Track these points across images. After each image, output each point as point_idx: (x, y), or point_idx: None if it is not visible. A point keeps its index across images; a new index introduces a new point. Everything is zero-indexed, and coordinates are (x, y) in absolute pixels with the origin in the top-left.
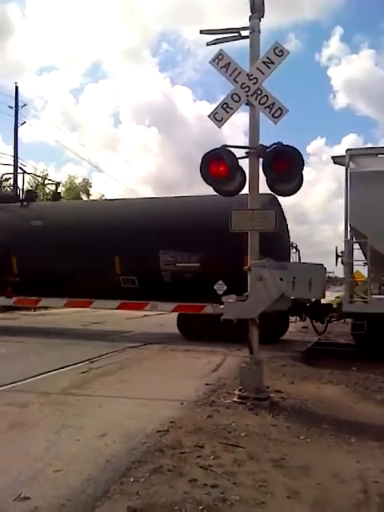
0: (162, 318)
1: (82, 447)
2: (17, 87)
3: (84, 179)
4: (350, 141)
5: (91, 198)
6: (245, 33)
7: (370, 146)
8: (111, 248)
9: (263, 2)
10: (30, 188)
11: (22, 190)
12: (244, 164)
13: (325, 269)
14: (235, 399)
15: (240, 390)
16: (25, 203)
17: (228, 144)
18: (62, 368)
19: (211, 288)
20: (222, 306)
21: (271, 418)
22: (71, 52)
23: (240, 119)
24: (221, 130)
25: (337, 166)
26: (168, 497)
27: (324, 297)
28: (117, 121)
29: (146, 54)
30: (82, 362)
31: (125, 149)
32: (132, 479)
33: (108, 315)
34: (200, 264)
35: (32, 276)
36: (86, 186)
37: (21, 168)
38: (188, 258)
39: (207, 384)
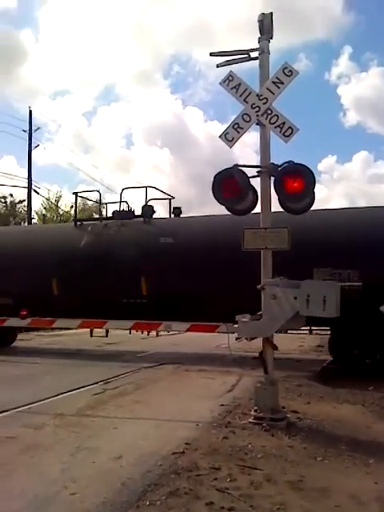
0: (180, 337)
1: (98, 469)
2: (30, 111)
3: (97, 200)
4: (361, 158)
5: None
6: (254, 54)
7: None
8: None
9: (272, 24)
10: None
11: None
12: (256, 183)
13: (339, 286)
14: (251, 420)
15: (256, 411)
16: (146, 219)
17: (239, 163)
18: (77, 389)
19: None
20: (235, 326)
21: (288, 439)
22: (84, 76)
23: (251, 139)
24: (232, 149)
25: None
26: None
27: (338, 315)
28: (129, 142)
29: (158, 77)
30: (96, 382)
31: (137, 170)
32: (148, 502)
33: (123, 335)
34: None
35: (160, 297)
36: (99, 207)
37: (35, 190)
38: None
39: (222, 405)
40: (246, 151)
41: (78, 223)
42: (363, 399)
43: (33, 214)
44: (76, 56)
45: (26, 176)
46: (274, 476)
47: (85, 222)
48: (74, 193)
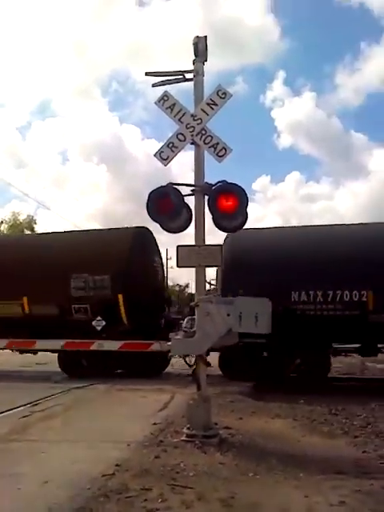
0: None
1: (24, 496)
2: None
3: (28, 216)
4: (294, 178)
5: None
6: (189, 75)
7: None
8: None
9: (206, 47)
10: None
11: None
12: (190, 201)
13: (270, 303)
14: (183, 438)
15: (188, 428)
16: None
17: (177, 182)
18: (2, 413)
19: None
20: (169, 343)
21: (220, 456)
22: (19, 89)
23: (189, 158)
24: (170, 168)
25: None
26: None
27: (270, 331)
28: (65, 158)
29: (97, 94)
30: (23, 405)
31: (73, 186)
32: None
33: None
34: None
35: None
36: (30, 223)
37: None
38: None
39: (155, 423)
40: (184, 169)
41: None
42: (294, 413)
43: None
44: (11, 69)
45: None
46: (206, 494)
47: None
48: None
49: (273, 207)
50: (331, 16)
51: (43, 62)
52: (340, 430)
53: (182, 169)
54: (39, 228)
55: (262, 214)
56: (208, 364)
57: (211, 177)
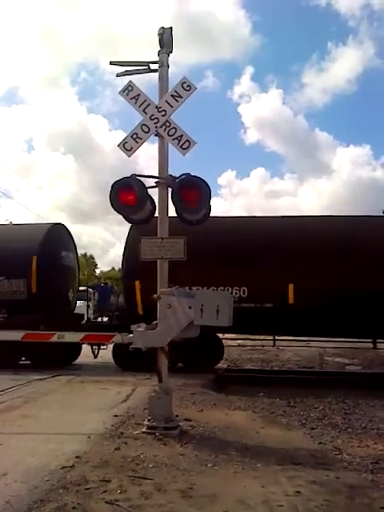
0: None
1: None
2: None
3: None
4: (259, 174)
5: None
6: (154, 66)
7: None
8: None
9: (171, 38)
10: None
11: None
12: (154, 193)
13: (232, 297)
14: (144, 430)
15: (149, 420)
16: None
17: (145, 174)
18: None
19: None
20: (130, 335)
21: (180, 448)
22: None
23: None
24: (137, 160)
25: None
26: None
27: (231, 324)
28: (30, 147)
29: (65, 83)
30: None
31: (38, 175)
32: None
33: None
34: None
35: None
36: None
37: None
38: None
39: (116, 415)
40: (151, 162)
41: None
42: (254, 405)
43: None
44: None
45: None
46: (165, 485)
47: None
48: None
49: (238, 202)
50: (300, 14)
51: (10, 48)
52: (298, 422)
53: (148, 162)
54: (1, 217)
55: (228, 209)
56: (169, 356)
57: (177, 170)
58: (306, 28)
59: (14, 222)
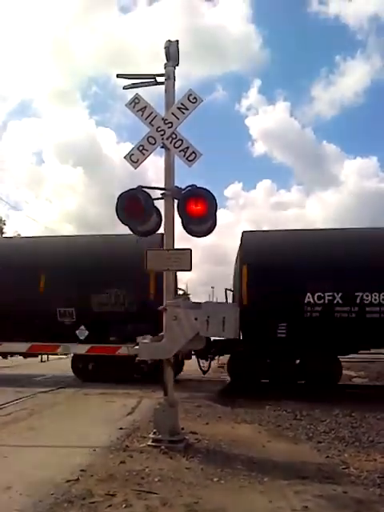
0: None
1: None
2: None
3: None
4: (265, 186)
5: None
6: (160, 79)
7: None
8: None
9: (178, 52)
10: None
11: None
12: (160, 205)
13: (238, 308)
14: (150, 443)
15: (154, 433)
16: None
17: (152, 186)
18: None
19: None
20: (136, 347)
21: (185, 461)
22: None
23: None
24: (146, 172)
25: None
26: None
27: (237, 336)
28: (40, 160)
29: (77, 97)
30: None
31: (48, 187)
32: None
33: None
34: None
35: None
36: None
37: None
38: None
39: (121, 428)
40: (160, 175)
41: None
42: (260, 418)
43: None
44: None
45: None
46: (170, 499)
47: None
48: None
49: (245, 214)
50: (309, 28)
51: (23, 63)
52: (304, 436)
53: (157, 174)
54: (9, 229)
55: (234, 221)
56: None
57: (184, 182)
58: (315, 42)
59: (21, 235)
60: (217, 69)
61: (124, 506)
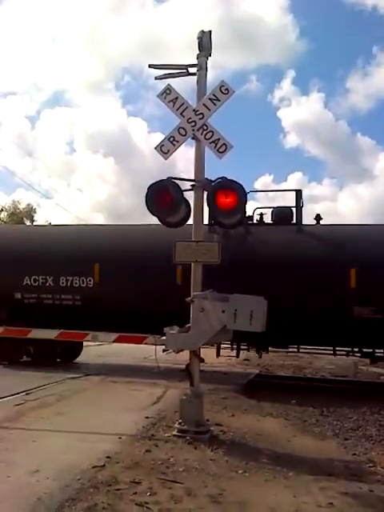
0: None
1: (13, 484)
2: None
3: (28, 204)
4: (296, 179)
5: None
6: (192, 70)
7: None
8: None
9: (210, 42)
10: None
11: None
12: (189, 196)
13: (266, 301)
14: (175, 433)
15: (180, 424)
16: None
17: (182, 177)
18: None
19: None
20: (163, 338)
21: (210, 452)
22: (33, 79)
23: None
24: (176, 163)
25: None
26: None
27: (264, 329)
28: (72, 149)
29: (110, 87)
30: (17, 393)
31: (79, 176)
32: None
33: None
34: None
35: None
36: (30, 212)
37: None
38: None
39: (147, 417)
40: (190, 166)
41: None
42: (286, 413)
43: None
44: (26, 59)
45: None
46: (195, 490)
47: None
48: None
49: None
50: (346, 19)
51: (57, 53)
52: (331, 432)
53: (187, 165)
54: (39, 217)
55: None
56: (202, 360)
57: (214, 174)
58: (352, 32)
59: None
60: (251, 59)
61: (148, 493)
